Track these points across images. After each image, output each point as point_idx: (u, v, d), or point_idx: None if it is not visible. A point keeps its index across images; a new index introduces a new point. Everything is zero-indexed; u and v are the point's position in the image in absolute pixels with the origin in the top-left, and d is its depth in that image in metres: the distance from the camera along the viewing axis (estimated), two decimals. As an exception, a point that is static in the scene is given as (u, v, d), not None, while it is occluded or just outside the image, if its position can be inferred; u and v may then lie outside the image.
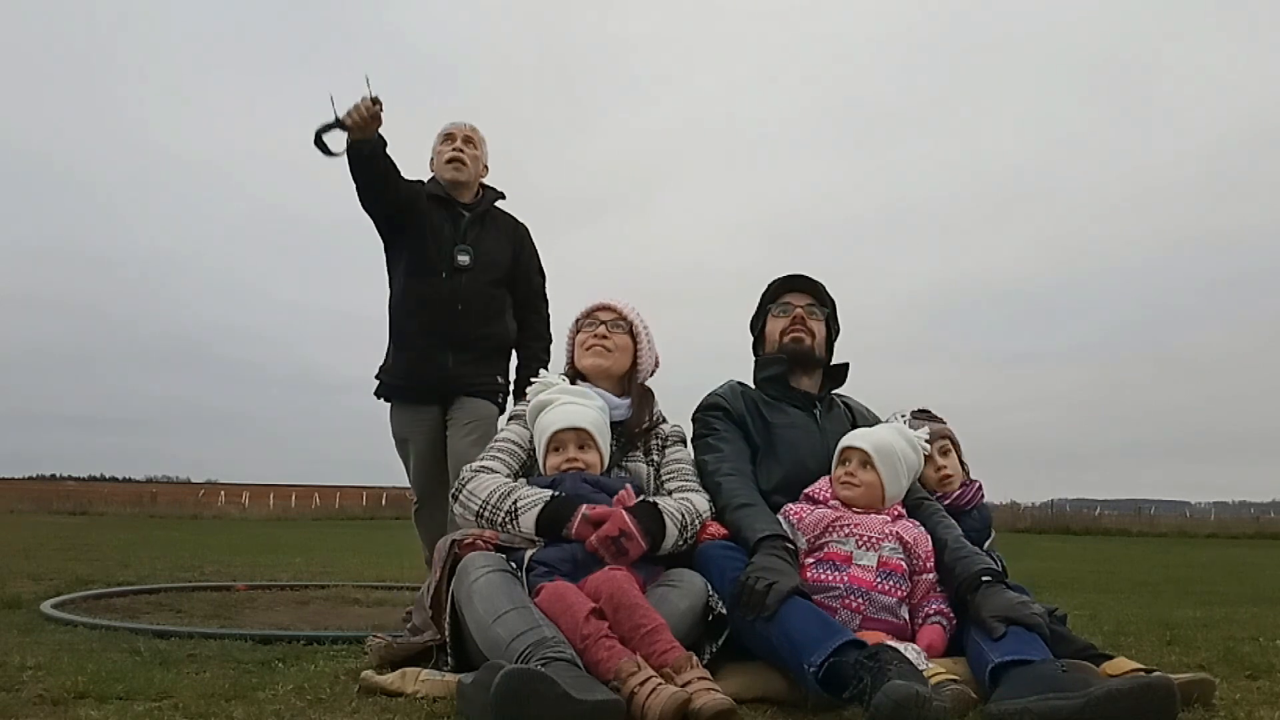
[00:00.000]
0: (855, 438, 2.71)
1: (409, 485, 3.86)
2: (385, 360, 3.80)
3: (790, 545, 2.48)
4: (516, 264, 3.85)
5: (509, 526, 2.42)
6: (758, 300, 3.03)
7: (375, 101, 3.32)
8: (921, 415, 3.05)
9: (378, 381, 3.82)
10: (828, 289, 2.98)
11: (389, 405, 3.80)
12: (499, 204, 3.88)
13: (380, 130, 3.40)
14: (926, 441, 2.79)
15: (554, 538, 2.39)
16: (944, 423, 3.08)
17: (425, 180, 3.84)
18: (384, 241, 3.79)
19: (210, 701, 2.04)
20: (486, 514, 2.45)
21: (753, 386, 2.94)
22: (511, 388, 3.83)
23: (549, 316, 3.93)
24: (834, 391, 2.99)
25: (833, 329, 3.00)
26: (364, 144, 3.38)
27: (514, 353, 3.87)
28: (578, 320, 2.92)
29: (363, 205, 3.64)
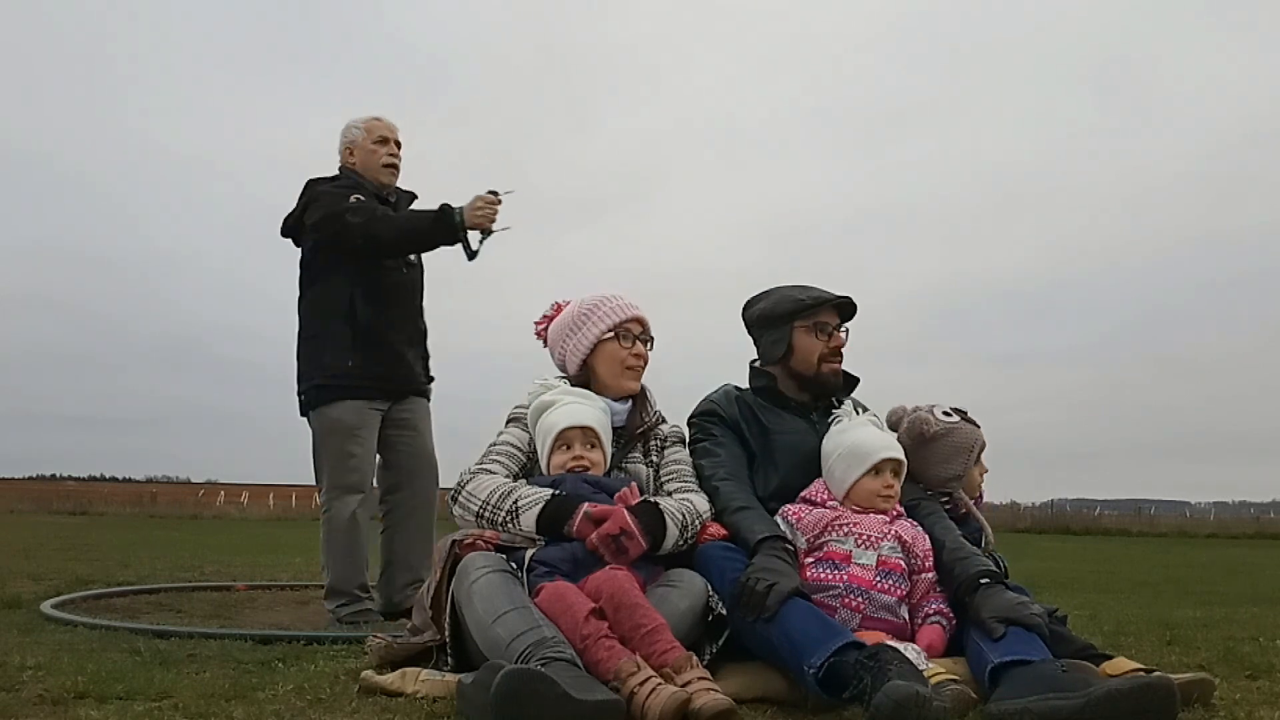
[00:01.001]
0: (889, 448, 2.64)
1: (334, 479, 3.63)
2: (337, 360, 3.62)
3: (790, 546, 2.47)
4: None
5: (510, 526, 2.41)
6: (785, 300, 2.82)
7: (493, 194, 3.48)
8: (961, 414, 2.96)
9: (323, 386, 3.62)
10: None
11: (328, 403, 3.63)
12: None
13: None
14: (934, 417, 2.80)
15: (555, 536, 2.38)
16: (979, 426, 2.97)
17: (339, 174, 3.77)
18: (315, 242, 3.66)
19: (210, 701, 2.04)
20: (487, 514, 2.44)
21: (748, 389, 2.90)
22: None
23: None
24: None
25: None
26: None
27: None
28: (614, 327, 2.74)
29: (337, 244, 3.57)
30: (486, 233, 3.49)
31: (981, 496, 3.05)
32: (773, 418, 2.80)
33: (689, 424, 2.87)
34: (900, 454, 2.65)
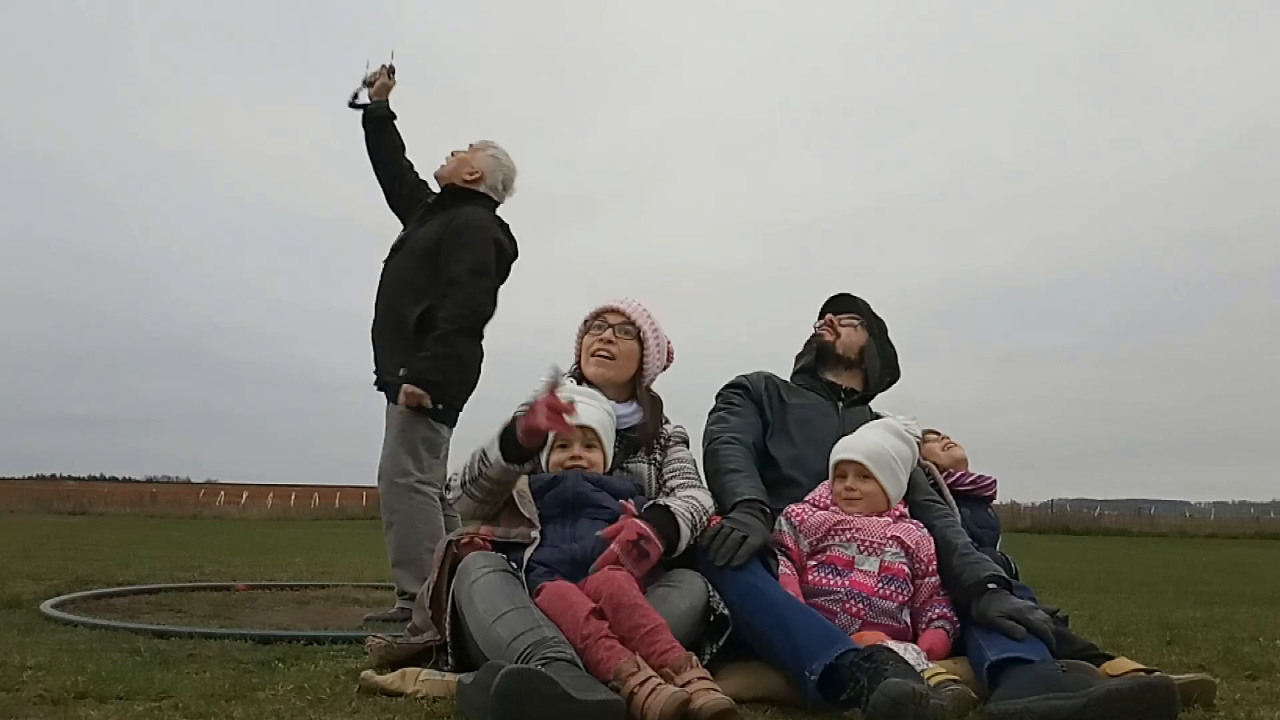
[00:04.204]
0: (847, 450, 2.68)
1: None
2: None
3: (767, 509, 2.54)
4: None
5: (484, 469, 2.48)
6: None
7: (391, 71, 4.02)
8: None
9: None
10: (869, 306, 3.15)
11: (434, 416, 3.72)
12: None
13: (390, 101, 4.01)
14: (915, 424, 2.88)
15: (524, 454, 2.47)
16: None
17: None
18: None
19: (210, 701, 2.04)
20: (467, 476, 2.52)
21: (783, 378, 3.04)
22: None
23: None
24: (869, 402, 3.05)
25: (880, 339, 3.10)
26: (379, 105, 4.01)
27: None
28: (586, 321, 2.86)
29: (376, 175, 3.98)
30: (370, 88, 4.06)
31: (991, 483, 3.23)
32: (796, 395, 2.94)
33: (717, 395, 2.98)
34: (854, 455, 2.65)
